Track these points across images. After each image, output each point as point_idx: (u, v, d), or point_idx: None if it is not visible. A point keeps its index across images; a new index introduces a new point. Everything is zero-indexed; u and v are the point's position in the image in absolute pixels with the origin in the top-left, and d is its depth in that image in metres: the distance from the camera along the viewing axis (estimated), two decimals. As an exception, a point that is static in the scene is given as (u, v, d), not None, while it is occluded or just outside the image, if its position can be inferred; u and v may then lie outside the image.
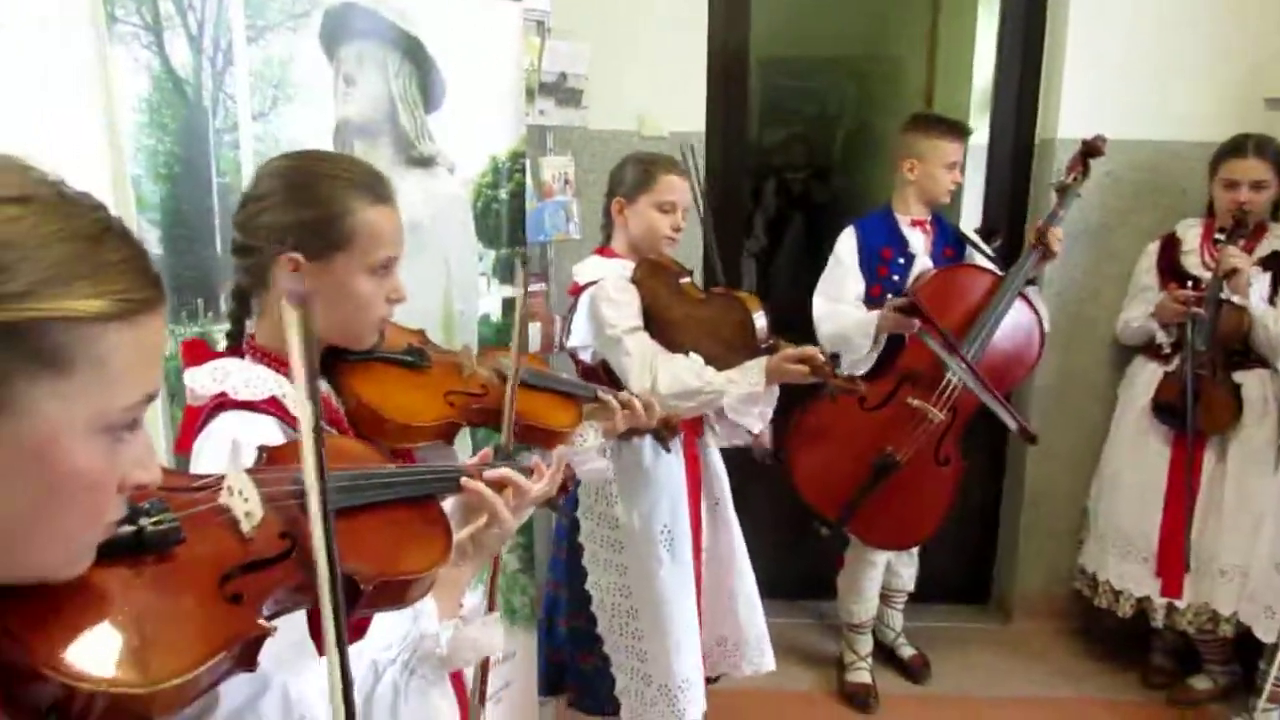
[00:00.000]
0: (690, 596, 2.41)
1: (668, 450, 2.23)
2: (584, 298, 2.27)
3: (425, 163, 1.95)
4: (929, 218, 3.00)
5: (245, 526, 0.85)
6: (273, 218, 1.26)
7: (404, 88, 1.86)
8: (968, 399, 2.86)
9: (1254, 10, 3.17)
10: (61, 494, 0.68)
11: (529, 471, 1.27)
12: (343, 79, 1.78)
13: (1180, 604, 3.03)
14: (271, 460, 0.98)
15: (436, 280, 2.02)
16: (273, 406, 1.22)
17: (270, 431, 1.19)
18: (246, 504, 0.86)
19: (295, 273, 0.82)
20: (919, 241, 2.99)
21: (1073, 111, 3.24)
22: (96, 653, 0.69)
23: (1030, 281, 2.93)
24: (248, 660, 0.79)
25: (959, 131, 2.95)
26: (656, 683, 2.38)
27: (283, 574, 0.86)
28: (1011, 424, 2.74)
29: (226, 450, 1.15)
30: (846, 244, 3.00)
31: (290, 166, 1.29)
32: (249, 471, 0.90)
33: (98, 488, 0.70)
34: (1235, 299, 2.84)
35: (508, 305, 2.21)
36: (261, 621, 0.80)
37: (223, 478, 0.88)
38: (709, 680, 2.57)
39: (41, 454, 0.66)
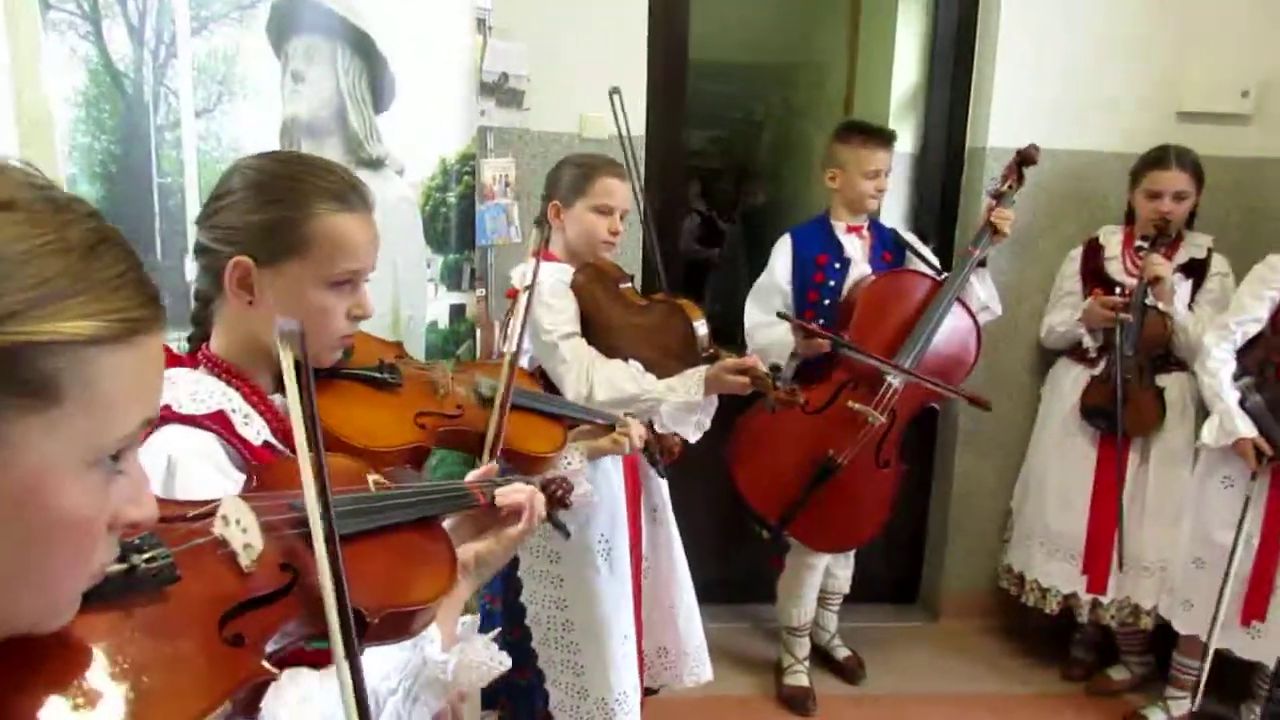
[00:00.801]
0: (628, 608, 2.36)
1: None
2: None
3: (374, 164, 1.88)
4: (864, 224, 3.03)
5: (244, 560, 0.78)
6: (230, 218, 1.19)
7: (354, 85, 1.78)
8: (907, 402, 2.90)
9: (1168, 29, 3.30)
10: (47, 538, 0.61)
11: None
12: (290, 75, 1.69)
13: (1104, 599, 3.12)
14: (262, 484, 0.91)
15: (384, 285, 1.95)
16: (217, 421, 1.14)
17: (210, 449, 1.12)
18: (245, 535, 0.79)
19: (283, 319, 0.76)
20: (856, 248, 3.00)
21: (1001, 121, 3.31)
22: (86, 712, 0.62)
23: (981, 264, 2.96)
24: (250, 708, 0.73)
25: (877, 139, 2.95)
26: (593, 696, 2.32)
27: (285, 610, 0.80)
28: (960, 398, 2.79)
29: (162, 468, 1.08)
30: (780, 254, 3.02)
31: (260, 165, 1.22)
32: (242, 497, 0.83)
33: (88, 529, 0.63)
34: (1160, 305, 2.93)
35: (456, 311, 2.14)
36: (265, 664, 0.74)
37: (217, 505, 0.81)
38: (650, 691, 2.54)
39: (26, 494, 0.59)
